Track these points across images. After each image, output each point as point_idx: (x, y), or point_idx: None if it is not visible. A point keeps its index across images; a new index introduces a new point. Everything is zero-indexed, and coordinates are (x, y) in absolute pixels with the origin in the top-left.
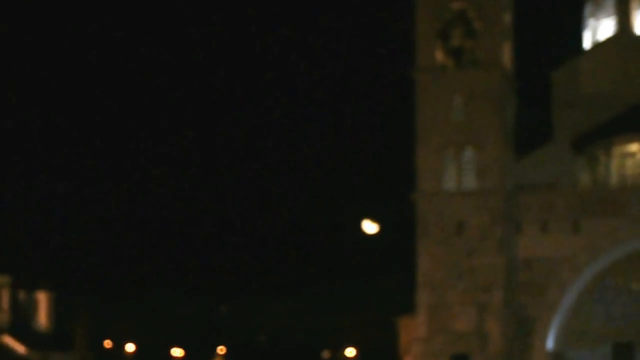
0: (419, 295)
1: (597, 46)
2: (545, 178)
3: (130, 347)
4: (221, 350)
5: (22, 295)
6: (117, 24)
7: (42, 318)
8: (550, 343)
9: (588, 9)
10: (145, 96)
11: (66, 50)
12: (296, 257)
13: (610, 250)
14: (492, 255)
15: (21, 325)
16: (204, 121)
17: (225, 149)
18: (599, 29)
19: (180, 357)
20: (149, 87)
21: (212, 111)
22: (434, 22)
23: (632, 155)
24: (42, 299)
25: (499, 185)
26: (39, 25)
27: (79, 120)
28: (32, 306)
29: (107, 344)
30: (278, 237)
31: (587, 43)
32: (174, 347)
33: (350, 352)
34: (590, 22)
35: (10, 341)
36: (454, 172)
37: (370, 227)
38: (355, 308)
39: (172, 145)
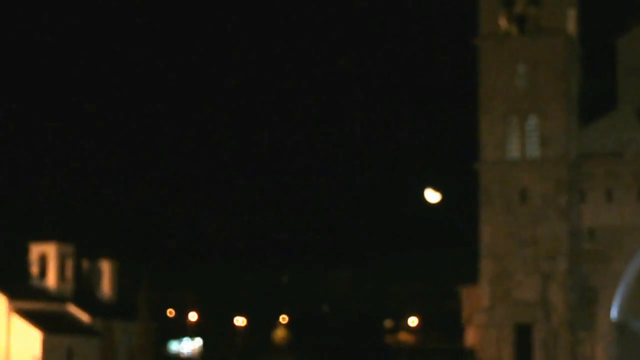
0: (482, 265)
1: None
2: (610, 146)
3: (193, 316)
4: (283, 319)
5: (85, 264)
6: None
7: (106, 287)
8: (614, 313)
9: None
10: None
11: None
12: (359, 226)
13: None
14: (556, 224)
15: (85, 294)
16: (263, 85)
17: (290, 116)
18: None
19: (243, 326)
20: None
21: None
22: None
23: None
24: (106, 267)
25: (563, 153)
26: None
27: (142, 92)
28: (96, 275)
29: (170, 312)
30: (341, 206)
31: None
32: (236, 316)
33: (412, 321)
34: None
35: (74, 310)
36: (518, 141)
37: (432, 196)
38: (418, 277)
39: (229, 112)
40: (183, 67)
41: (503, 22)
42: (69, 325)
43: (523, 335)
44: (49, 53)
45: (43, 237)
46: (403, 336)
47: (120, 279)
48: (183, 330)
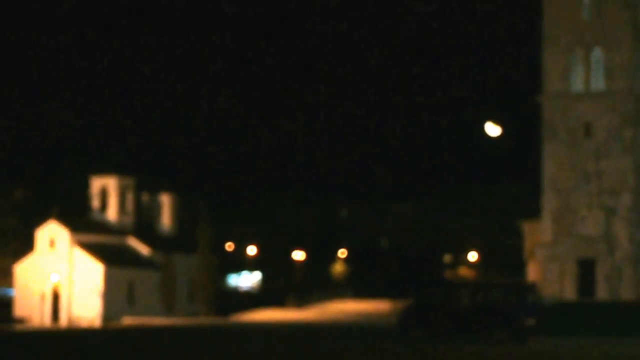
0: (545, 199)
1: None
2: None
3: (252, 250)
4: (342, 253)
5: (146, 197)
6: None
7: (166, 220)
8: None
9: None
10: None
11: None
12: (419, 160)
13: None
14: (621, 158)
15: (145, 226)
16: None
17: (350, 57)
18: None
19: (302, 260)
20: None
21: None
22: None
23: None
24: (166, 201)
25: (628, 86)
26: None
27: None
28: (156, 208)
29: (229, 246)
30: (402, 139)
31: None
32: (295, 249)
33: (472, 256)
34: None
35: (134, 242)
36: (582, 73)
37: (493, 129)
38: (478, 212)
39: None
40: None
41: None
42: (130, 258)
43: (586, 271)
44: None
45: (104, 171)
46: (463, 271)
47: (180, 212)
48: (242, 263)
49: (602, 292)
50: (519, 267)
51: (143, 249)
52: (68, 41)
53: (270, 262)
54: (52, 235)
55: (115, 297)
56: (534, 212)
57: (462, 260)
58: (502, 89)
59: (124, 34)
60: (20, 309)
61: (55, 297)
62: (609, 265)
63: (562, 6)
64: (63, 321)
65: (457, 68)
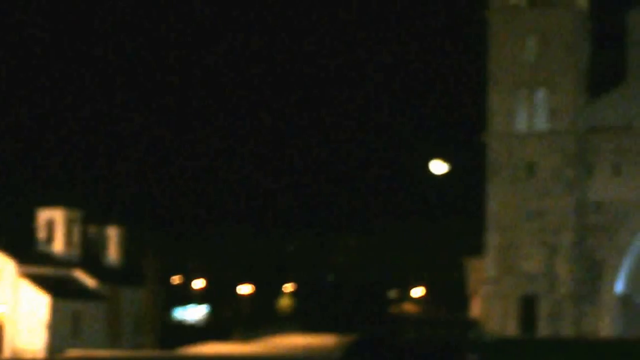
0: (489, 236)
1: None
2: (619, 120)
3: (199, 283)
4: (289, 287)
5: (93, 229)
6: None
7: (113, 252)
8: (619, 286)
9: None
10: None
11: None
12: (366, 195)
13: None
14: (563, 197)
15: (92, 259)
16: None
17: (295, 85)
18: None
19: (248, 294)
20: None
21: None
22: None
23: None
24: (113, 233)
25: (571, 126)
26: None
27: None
28: (103, 240)
29: (177, 279)
30: (348, 175)
31: None
32: (242, 283)
33: (417, 291)
34: None
35: (81, 274)
36: (526, 113)
37: (439, 167)
38: (423, 248)
39: (235, 83)
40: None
41: None
42: (76, 291)
43: (528, 308)
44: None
45: (51, 203)
46: (408, 306)
47: (127, 244)
48: (189, 296)
49: (543, 329)
50: (463, 303)
51: (89, 281)
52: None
53: (217, 296)
54: None
55: (60, 329)
56: (478, 249)
57: (407, 295)
58: (449, 128)
59: (63, 57)
60: None
61: (0, 329)
62: (551, 302)
63: (506, 48)
64: (7, 353)
65: (404, 106)
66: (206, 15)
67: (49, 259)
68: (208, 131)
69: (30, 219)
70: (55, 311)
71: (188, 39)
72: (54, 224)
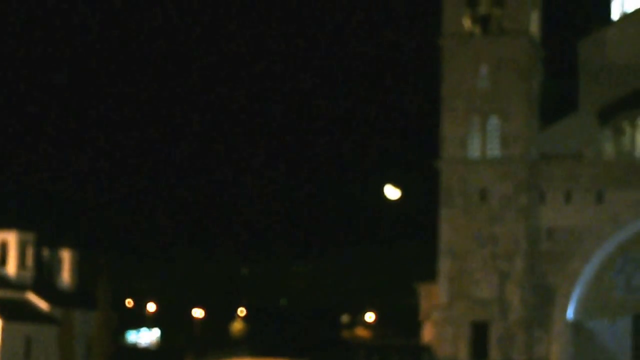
0: (441, 262)
1: (625, 17)
2: (570, 148)
3: (151, 307)
4: (241, 312)
5: (46, 252)
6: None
7: (66, 275)
8: (570, 313)
9: None
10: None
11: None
12: (319, 220)
13: (633, 222)
14: (515, 224)
15: (45, 282)
16: (231, 86)
17: (251, 114)
18: (628, 0)
19: (201, 318)
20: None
21: (238, 76)
22: None
23: None
24: (66, 256)
25: (523, 154)
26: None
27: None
28: (56, 263)
29: (129, 303)
30: (301, 200)
31: (615, 13)
32: (194, 307)
33: (369, 316)
34: None
35: (33, 298)
36: (479, 140)
37: (392, 192)
38: (376, 273)
39: (195, 110)
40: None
41: (467, 23)
42: (28, 314)
43: (479, 333)
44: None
45: (3, 225)
46: (360, 331)
47: (80, 268)
48: (141, 320)
49: (494, 355)
50: (415, 328)
51: (42, 305)
52: None
53: (169, 319)
54: None
55: (12, 352)
56: (431, 275)
57: (359, 320)
58: (403, 154)
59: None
60: None
61: None
62: (502, 328)
63: (460, 75)
64: None
65: (358, 132)
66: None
67: (1, 281)
68: (162, 156)
69: None
70: (7, 335)
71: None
72: (7, 246)
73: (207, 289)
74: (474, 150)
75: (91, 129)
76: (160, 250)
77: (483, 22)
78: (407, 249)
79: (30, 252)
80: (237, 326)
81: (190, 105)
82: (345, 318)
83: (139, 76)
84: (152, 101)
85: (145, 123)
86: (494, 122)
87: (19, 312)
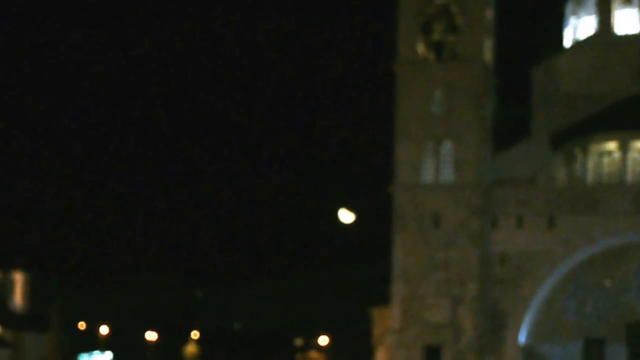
0: (394, 286)
1: (577, 44)
2: (523, 173)
3: (104, 330)
4: (195, 335)
5: None
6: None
7: (18, 298)
8: (522, 337)
9: (569, 7)
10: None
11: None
12: (272, 244)
13: (584, 247)
14: (468, 249)
15: None
16: (181, 105)
17: (205, 135)
18: (580, 27)
19: (154, 341)
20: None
21: (193, 95)
22: (417, 16)
23: (608, 153)
24: (18, 279)
25: (476, 179)
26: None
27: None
28: (8, 286)
29: (81, 325)
30: (255, 223)
31: (567, 41)
32: (147, 330)
33: (323, 340)
34: (571, 20)
35: None
36: (432, 165)
37: (346, 216)
38: (329, 297)
39: (148, 132)
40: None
41: (421, 49)
42: None
43: (432, 357)
44: None
45: None
46: (313, 355)
47: (32, 290)
48: (94, 343)
49: None
50: (368, 352)
51: None
52: None
53: (122, 342)
54: None
55: None
56: (384, 299)
57: (313, 343)
58: (358, 178)
59: None
60: None
61: None
62: (454, 352)
63: (414, 101)
64: None
65: (313, 155)
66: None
67: None
68: (116, 179)
69: None
70: None
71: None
72: None
73: (160, 311)
74: (428, 175)
75: (43, 148)
76: (114, 272)
77: (437, 48)
78: (361, 272)
79: None
80: (190, 349)
81: (140, 130)
82: (298, 341)
83: (81, 103)
84: (103, 129)
85: (101, 146)
86: (447, 147)
87: None
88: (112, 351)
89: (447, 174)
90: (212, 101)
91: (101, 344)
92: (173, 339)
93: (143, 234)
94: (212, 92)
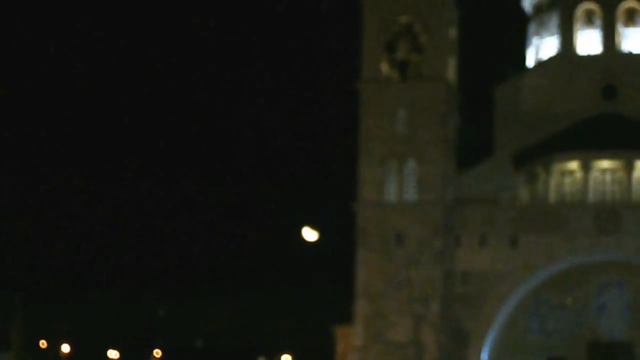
0: (357, 305)
1: (540, 64)
2: (486, 193)
3: (65, 348)
4: (157, 353)
5: None
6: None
7: None
8: (485, 355)
9: (532, 27)
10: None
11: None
12: (235, 261)
13: (547, 266)
14: (431, 267)
15: None
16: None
17: (170, 153)
18: (543, 48)
19: (116, 359)
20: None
21: (157, 115)
22: (381, 34)
23: (570, 173)
24: None
25: (439, 198)
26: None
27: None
28: None
29: (43, 344)
30: (218, 241)
31: (530, 61)
32: (109, 348)
33: (285, 358)
34: (534, 41)
35: None
36: (396, 184)
37: (310, 234)
38: (292, 315)
39: (114, 150)
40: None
41: (385, 68)
42: None
43: None
44: None
45: None
46: None
47: None
48: None
49: None
50: None
51: None
52: None
53: None
54: None
55: None
56: (347, 317)
57: None
58: (321, 196)
59: None
60: None
61: None
62: None
63: (378, 119)
64: None
65: (277, 173)
66: None
67: None
68: (76, 196)
69: None
70: None
71: None
72: None
73: (122, 329)
74: (391, 193)
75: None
76: (75, 290)
77: (401, 67)
78: (325, 291)
79: None
80: None
81: (96, 144)
82: (261, 359)
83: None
84: (61, 146)
85: (60, 165)
86: (411, 166)
87: None
88: None
89: (411, 193)
90: (176, 121)
91: None
92: (135, 357)
93: (104, 251)
94: (174, 111)
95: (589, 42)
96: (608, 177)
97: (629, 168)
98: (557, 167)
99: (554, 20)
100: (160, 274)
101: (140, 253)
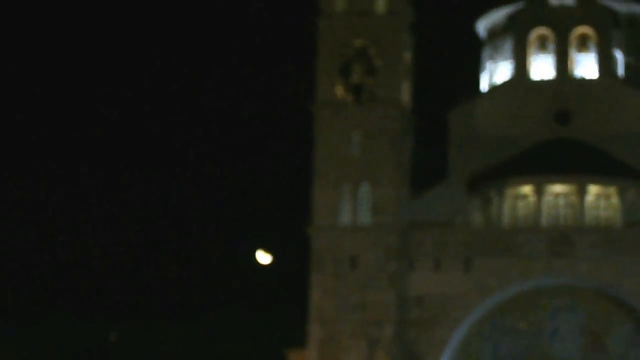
0: (310, 328)
1: (494, 89)
2: (440, 216)
3: None
4: None
5: None
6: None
7: None
8: None
9: (486, 52)
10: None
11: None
12: (189, 284)
13: (500, 290)
14: (385, 291)
15: None
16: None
17: (123, 171)
18: (496, 72)
19: None
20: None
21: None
22: (335, 58)
23: (523, 197)
24: None
25: (393, 221)
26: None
27: None
28: None
29: None
30: (172, 263)
31: (484, 85)
32: None
33: None
34: (488, 65)
35: None
36: (350, 207)
37: (263, 257)
38: (246, 338)
39: (68, 168)
40: None
41: (339, 91)
42: None
43: None
44: None
45: None
46: None
47: None
48: None
49: None
50: None
51: None
52: None
53: None
54: None
55: None
56: (301, 341)
57: None
58: (275, 219)
59: None
60: None
61: None
62: None
63: (332, 143)
64: None
65: (231, 196)
66: None
67: None
68: (26, 215)
69: None
70: None
71: None
72: None
73: (72, 354)
74: (345, 217)
75: None
76: (22, 312)
77: (355, 90)
78: (278, 314)
79: None
80: None
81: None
82: None
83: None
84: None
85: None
86: (365, 189)
87: None
88: None
89: (365, 216)
90: (134, 144)
91: None
92: None
93: (55, 271)
94: (136, 136)
95: (542, 67)
96: (561, 201)
97: (582, 192)
98: (510, 192)
99: (507, 45)
100: (112, 296)
101: (90, 273)
